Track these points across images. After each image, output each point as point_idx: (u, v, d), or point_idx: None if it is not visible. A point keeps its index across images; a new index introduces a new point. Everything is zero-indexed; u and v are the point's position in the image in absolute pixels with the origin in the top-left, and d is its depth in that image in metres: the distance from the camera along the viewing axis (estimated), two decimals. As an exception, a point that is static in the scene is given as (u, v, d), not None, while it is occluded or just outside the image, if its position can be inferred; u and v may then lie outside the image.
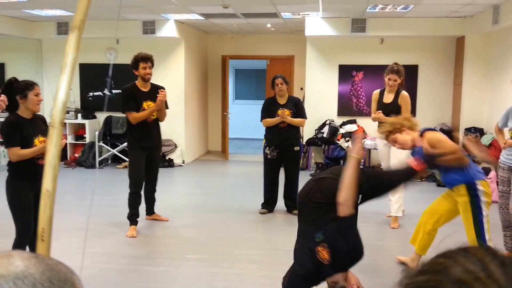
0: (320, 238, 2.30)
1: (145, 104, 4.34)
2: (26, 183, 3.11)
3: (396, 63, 4.60)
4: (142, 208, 4.63)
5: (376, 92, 4.77)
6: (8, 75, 8.20)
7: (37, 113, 3.26)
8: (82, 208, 5.18)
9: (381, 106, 4.62)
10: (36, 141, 3.16)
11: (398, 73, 4.53)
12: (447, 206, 3.33)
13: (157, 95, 4.30)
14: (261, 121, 5.06)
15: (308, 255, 2.35)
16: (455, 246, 0.61)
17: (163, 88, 4.51)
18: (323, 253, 2.28)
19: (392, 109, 4.54)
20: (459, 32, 6.89)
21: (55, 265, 0.61)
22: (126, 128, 7.81)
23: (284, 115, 4.83)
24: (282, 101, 4.96)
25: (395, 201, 4.62)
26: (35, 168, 3.02)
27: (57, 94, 1.84)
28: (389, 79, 4.54)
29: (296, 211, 5.22)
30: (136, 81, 4.44)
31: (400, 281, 0.60)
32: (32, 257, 0.60)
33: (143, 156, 4.41)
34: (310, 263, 2.33)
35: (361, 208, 2.51)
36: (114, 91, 8.11)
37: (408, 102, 4.55)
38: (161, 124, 4.60)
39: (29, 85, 3.12)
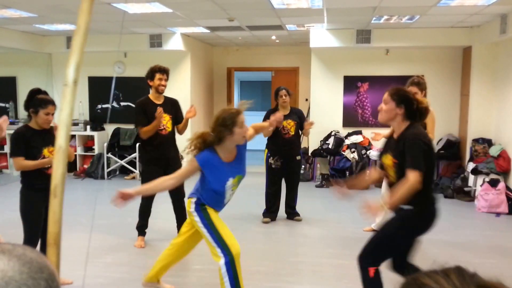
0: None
1: None
2: (38, 194, 3.11)
3: (418, 76, 4.48)
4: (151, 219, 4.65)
5: None
6: (20, 88, 8.35)
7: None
8: (90, 218, 5.22)
9: None
10: (46, 151, 3.16)
11: (419, 85, 4.38)
12: None
13: (188, 111, 4.33)
14: None
15: None
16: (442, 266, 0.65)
17: (176, 101, 4.50)
18: None
19: None
20: (465, 42, 6.87)
21: (24, 255, 0.59)
22: (133, 140, 7.91)
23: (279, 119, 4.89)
24: (284, 112, 5.03)
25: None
26: (46, 178, 2.98)
27: (66, 77, 1.88)
28: (409, 91, 4.49)
29: (298, 218, 5.24)
30: (149, 94, 4.35)
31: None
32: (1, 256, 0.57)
33: (158, 171, 4.15)
34: None
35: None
36: (122, 103, 8.21)
37: (434, 120, 4.26)
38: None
39: (43, 103, 3.12)
